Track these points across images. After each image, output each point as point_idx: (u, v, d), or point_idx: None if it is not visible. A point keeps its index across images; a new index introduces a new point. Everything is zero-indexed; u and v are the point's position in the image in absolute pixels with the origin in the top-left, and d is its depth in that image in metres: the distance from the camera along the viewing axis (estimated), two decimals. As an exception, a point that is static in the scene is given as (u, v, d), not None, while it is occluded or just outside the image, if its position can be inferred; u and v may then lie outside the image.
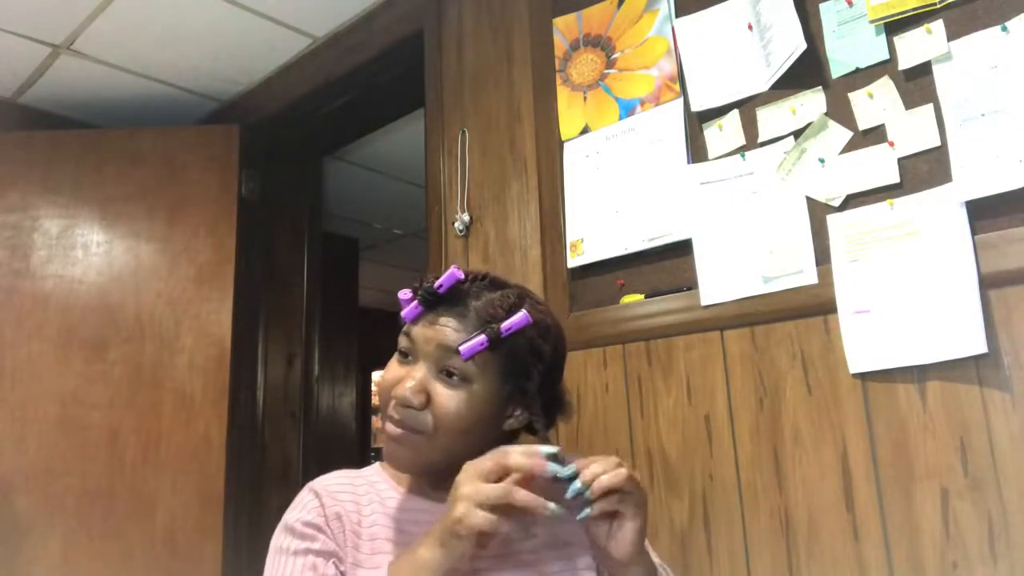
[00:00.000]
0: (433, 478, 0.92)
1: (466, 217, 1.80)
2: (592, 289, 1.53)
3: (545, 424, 0.93)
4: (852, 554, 1.14)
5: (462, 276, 0.89)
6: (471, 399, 0.85)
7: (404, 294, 0.91)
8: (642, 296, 1.45)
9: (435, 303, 0.88)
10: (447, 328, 0.86)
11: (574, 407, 1.05)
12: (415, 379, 0.86)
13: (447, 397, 0.85)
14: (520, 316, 0.86)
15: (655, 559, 0.90)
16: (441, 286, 0.87)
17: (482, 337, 0.84)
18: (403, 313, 0.90)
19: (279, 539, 0.89)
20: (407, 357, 0.89)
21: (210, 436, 2.26)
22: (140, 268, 2.38)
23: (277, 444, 2.57)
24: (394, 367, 0.89)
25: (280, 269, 2.72)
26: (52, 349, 2.29)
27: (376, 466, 0.98)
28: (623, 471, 0.79)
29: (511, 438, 0.95)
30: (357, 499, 0.91)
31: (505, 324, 0.85)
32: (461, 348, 0.84)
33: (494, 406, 0.87)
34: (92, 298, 2.35)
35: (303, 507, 0.91)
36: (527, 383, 0.87)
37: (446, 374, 0.86)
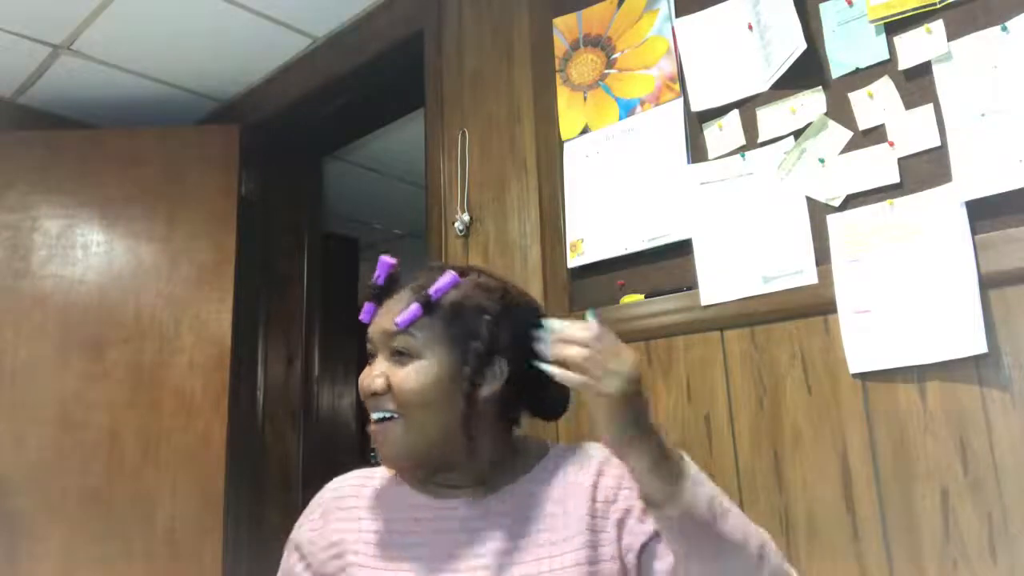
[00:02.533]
0: (429, 471, 0.93)
1: (466, 217, 1.80)
2: (592, 289, 1.53)
3: (538, 397, 0.96)
4: (852, 554, 1.14)
5: (393, 261, 0.94)
6: (424, 370, 0.88)
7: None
8: (642, 296, 1.45)
9: (380, 296, 0.93)
10: (388, 313, 0.91)
11: (567, 391, 1.03)
12: (374, 370, 0.90)
13: (401, 376, 0.88)
14: (446, 276, 0.90)
15: (707, 492, 0.80)
16: (379, 277, 0.93)
17: (414, 305, 0.88)
18: (361, 317, 0.94)
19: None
20: (372, 357, 0.93)
21: (210, 436, 2.25)
22: (140, 268, 2.38)
23: (277, 444, 2.56)
24: (364, 370, 0.93)
25: (280, 269, 2.71)
26: (52, 349, 2.29)
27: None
28: (592, 328, 0.79)
29: (508, 422, 0.97)
30: (360, 503, 0.95)
31: (433, 287, 0.89)
32: (396, 320, 0.88)
33: (450, 372, 0.89)
34: (92, 298, 2.35)
35: (299, 521, 0.99)
36: (477, 343, 0.89)
37: (397, 355, 0.89)
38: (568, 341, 0.79)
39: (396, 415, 0.88)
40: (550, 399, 0.99)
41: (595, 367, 0.78)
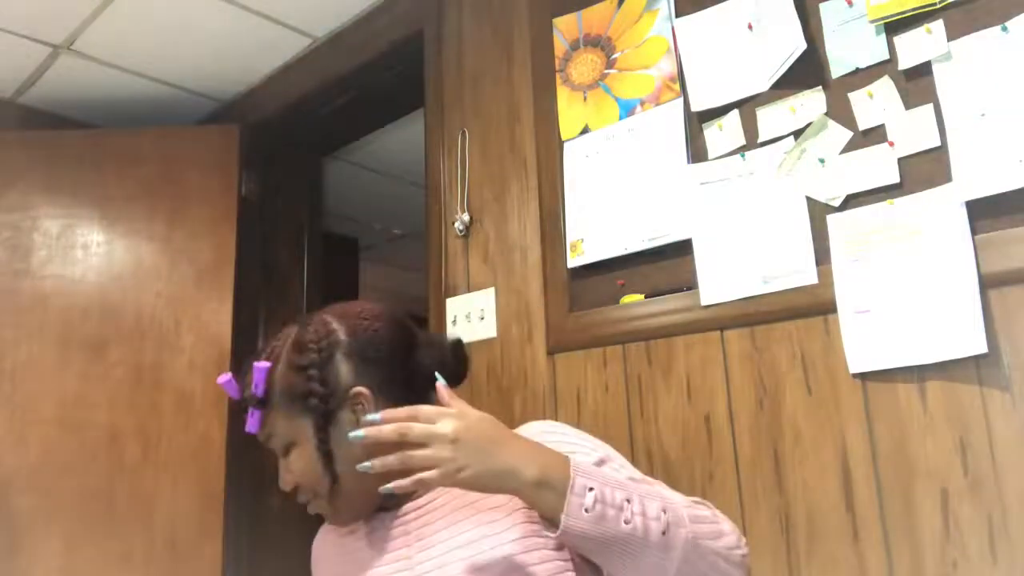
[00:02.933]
0: (377, 508, 0.95)
1: (466, 217, 1.80)
2: (592, 289, 1.53)
3: (428, 380, 0.94)
4: (852, 554, 1.14)
5: (228, 377, 0.96)
6: (303, 453, 0.92)
7: None
8: (642, 296, 1.45)
9: (244, 408, 0.96)
10: (247, 427, 0.95)
11: (442, 364, 0.99)
12: (280, 473, 0.94)
13: (292, 470, 0.93)
14: (255, 371, 0.92)
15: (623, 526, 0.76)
16: (231, 395, 0.97)
17: (250, 410, 0.93)
18: (247, 429, 0.97)
19: None
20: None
21: (210, 436, 2.25)
22: (140, 268, 2.38)
23: (277, 444, 2.56)
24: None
25: (280, 269, 2.71)
26: (52, 349, 2.29)
27: None
28: (401, 425, 0.78)
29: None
30: (322, 552, 1.03)
31: (252, 386, 0.92)
32: (248, 429, 0.93)
33: (320, 439, 0.91)
34: (92, 298, 2.35)
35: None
36: (315, 400, 0.91)
37: (281, 453, 0.94)
38: (389, 420, 0.79)
39: (314, 500, 0.93)
40: (431, 374, 0.96)
41: (415, 441, 0.77)
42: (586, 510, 0.75)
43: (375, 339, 0.95)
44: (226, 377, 0.96)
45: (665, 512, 0.78)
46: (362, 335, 0.95)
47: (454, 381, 0.98)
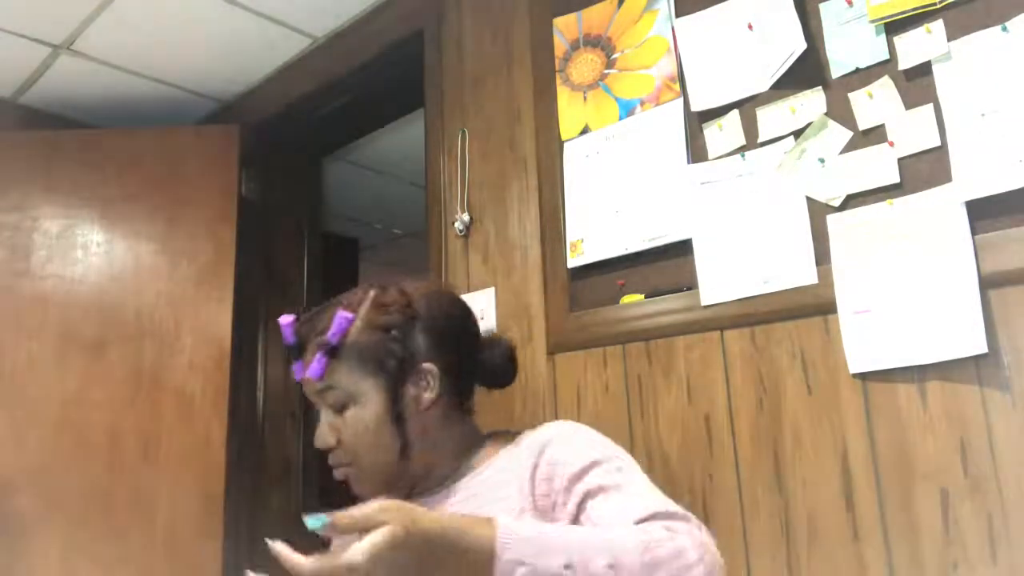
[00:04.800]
0: (407, 489, 0.95)
1: (466, 217, 1.80)
2: (592, 289, 1.53)
3: (480, 377, 0.97)
4: (852, 554, 1.14)
5: (291, 319, 0.96)
6: (361, 412, 0.91)
7: None
8: (642, 296, 1.45)
9: (296, 354, 0.95)
10: (308, 372, 0.93)
11: (504, 365, 1.01)
12: (322, 426, 0.93)
13: (345, 426, 0.91)
14: (338, 318, 0.91)
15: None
16: (286, 338, 0.96)
17: (319, 355, 0.91)
18: (294, 377, 0.96)
19: None
20: (318, 412, 0.95)
21: (210, 436, 2.25)
22: (140, 268, 2.38)
23: (277, 444, 2.56)
24: (317, 428, 0.95)
25: (280, 269, 2.71)
26: (52, 349, 2.29)
27: None
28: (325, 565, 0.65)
29: (460, 414, 0.98)
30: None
31: (329, 333, 0.91)
32: (308, 374, 0.91)
33: (384, 402, 0.91)
34: (92, 298, 2.35)
35: None
36: (393, 362, 0.91)
37: (333, 407, 0.92)
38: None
39: (351, 463, 0.92)
40: (492, 372, 1.00)
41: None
42: None
43: (452, 324, 0.98)
44: (289, 318, 0.96)
45: (612, 568, 0.70)
46: (440, 316, 0.97)
47: (506, 384, 1.02)
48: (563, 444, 0.88)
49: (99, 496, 2.20)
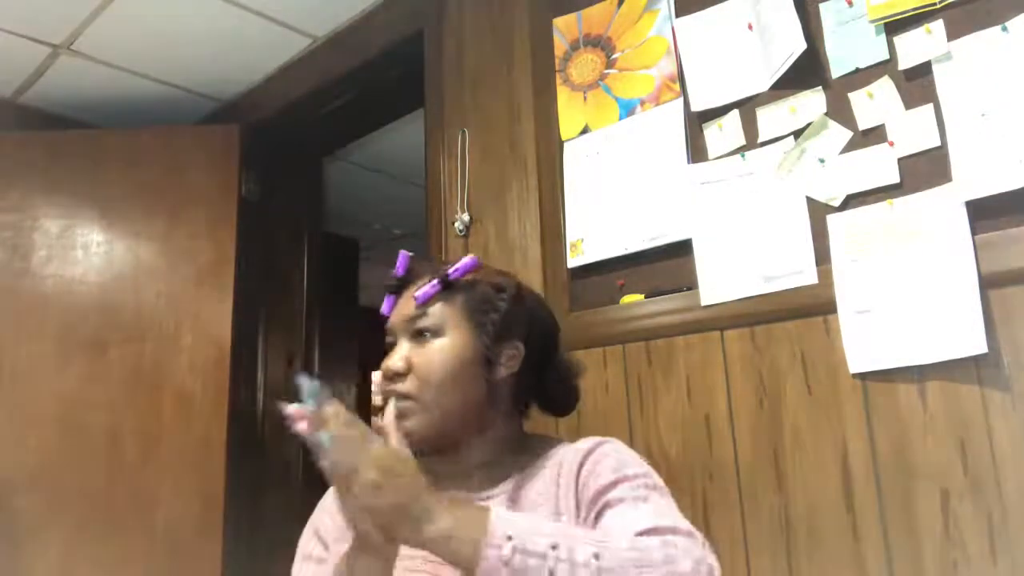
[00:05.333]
0: (439, 448, 0.93)
1: (466, 217, 1.80)
2: (592, 289, 1.53)
3: (549, 390, 0.99)
4: (852, 554, 1.14)
5: (411, 254, 0.98)
6: (445, 349, 0.91)
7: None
8: (642, 296, 1.45)
9: (400, 287, 0.97)
10: (408, 298, 0.94)
11: (577, 387, 1.05)
12: (396, 353, 0.93)
13: (423, 354, 0.91)
14: (467, 258, 0.95)
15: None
16: (399, 269, 0.97)
17: (434, 280, 0.92)
18: (382, 310, 0.98)
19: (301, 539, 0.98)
20: (392, 346, 0.95)
21: (210, 436, 2.25)
22: (140, 268, 2.38)
23: (277, 444, 2.56)
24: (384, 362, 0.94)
25: (280, 269, 2.71)
26: (52, 349, 2.29)
27: None
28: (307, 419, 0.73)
29: (518, 409, 0.98)
30: None
31: (452, 268, 0.94)
32: (416, 294, 0.92)
33: (471, 351, 0.92)
34: (92, 298, 2.35)
35: (319, 505, 1.00)
36: (496, 315, 0.93)
37: (418, 336, 0.92)
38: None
39: (413, 397, 0.90)
40: (561, 393, 1.02)
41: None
42: (504, 562, 0.69)
43: (549, 324, 1.01)
44: (408, 254, 0.98)
45: (597, 557, 0.71)
46: (541, 313, 1.01)
47: (570, 409, 1.04)
48: (601, 459, 0.89)
49: (99, 496, 2.20)
